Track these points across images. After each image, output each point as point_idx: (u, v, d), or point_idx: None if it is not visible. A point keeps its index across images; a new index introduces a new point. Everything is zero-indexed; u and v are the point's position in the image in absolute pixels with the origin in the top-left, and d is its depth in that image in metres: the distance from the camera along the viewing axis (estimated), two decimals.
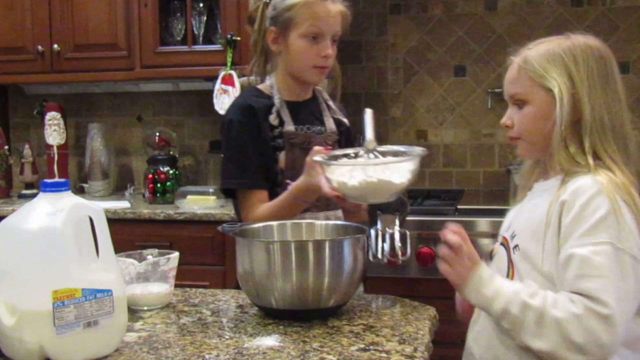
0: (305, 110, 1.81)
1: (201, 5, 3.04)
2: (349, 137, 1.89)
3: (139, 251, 1.54)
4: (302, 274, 1.34)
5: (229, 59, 2.88)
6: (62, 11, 3.12)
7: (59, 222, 1.14)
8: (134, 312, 1.44)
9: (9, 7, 3.18)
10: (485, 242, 2.41)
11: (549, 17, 3.13)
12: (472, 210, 2.66)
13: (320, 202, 1.67)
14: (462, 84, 3.25)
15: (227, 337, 1.29)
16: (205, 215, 2.76)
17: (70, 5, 3.11)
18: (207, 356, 1.20)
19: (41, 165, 3.39)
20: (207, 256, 2.77)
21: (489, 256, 1.49)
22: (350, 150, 1.52)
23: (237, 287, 1.50)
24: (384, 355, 1.19)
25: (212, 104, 2.89)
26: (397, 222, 1.42)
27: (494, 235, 2.36)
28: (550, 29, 2.99)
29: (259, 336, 1.30)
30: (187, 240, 2.74)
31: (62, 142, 3.21)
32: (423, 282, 2.47)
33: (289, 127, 1.74)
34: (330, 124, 1.83)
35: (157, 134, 3.21)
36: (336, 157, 1.49)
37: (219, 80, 2.88)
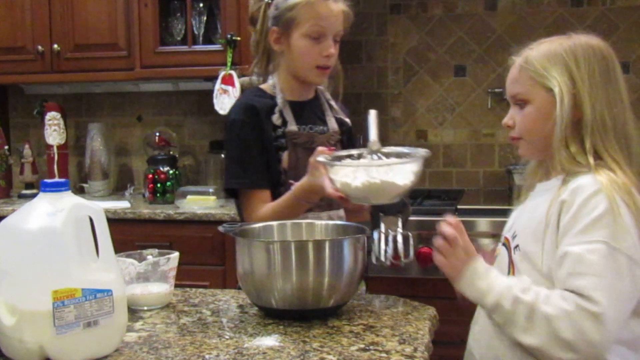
0: (308, 110, 1.81)
1: (201, 5, 3.04)
2: (350, 136, 1.89)
3: (139, 251, 1.54)
4: (302, 274, 1.34)
5: (229, 59, 2.88)
6: (62, 11, 3.12)
7: (59, 222, 1.14)
8: (134, 312, 1.44)
9: (9, 7, 3.18)
10: (485, 242, 2.41)
11: (549, 17, 3.13)
12: (472, 210, 2.66)
13: (323, 202, 1.68)
14: (462, 84, 3.25)
15: (227, 337, 1.29)
16: (205, 215, 2.76)
17: (70, 5, 3.11)
18: (207, 356, 1.20)
19: (41, 165, 3.39)
20: (207, 256, 2.77)
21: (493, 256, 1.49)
22: (354, 151, 1.52)
23: (238, 287, 1.50)
24: (384, 355, 1.19)
25: (212, 104, 2.89)
26: (399, 224, 1.42)
27: (494, 235, 2.37)
28: (550, 29, 3.00)
29: (259, 336, 1.30)
30: (187, 240, 2.74)
31: (62, 142, 3.21)
32: (423, 282, 2.47)
33: (292, 127, 1.74)
34: (332, 124, 1.83)
35: (157, 134, 3.22)
36: (340, 158, 1.49)
37: (219, 80, 2.88)
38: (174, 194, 3.00)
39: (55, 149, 3.18)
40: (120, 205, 2.94)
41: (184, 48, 3.03)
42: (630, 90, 1.38)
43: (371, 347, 1.22)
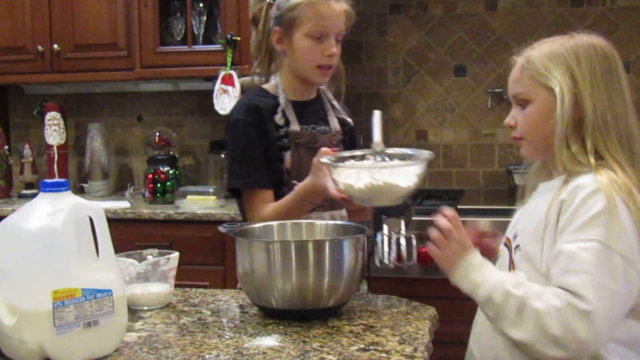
0: (310, 110, 1.81)
1: (201, 5, 3.04)
2: (353, 136, 1.89)
3: (139, 251, 1.54)
4: (302, 274, 1.34)
5: (229, 59, 2.88)
6: (62, 11, 3.12)
7: (59, 222, 1.14)
8: (134, 312, 1.44)
9: (9, 7, 3.18)
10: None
11: (549, 17, 3.13)
12: (472, 210, 2.66)
13: (325, 202, 1.68)
14: (462, 84, 3.25)
15: (227, 337, 1.29)
16: (205, 215, 2.76)
17: (70, 5, 3.12)
18: (207, 356, 1.20)
19: (41, 165, 3.39)
20: (207, 256, 2.77)
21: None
22: (357, 152, 1.52)
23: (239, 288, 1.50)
24: (384, 355, 1.19)
25: (212, 104, 2.89)
26: (402, 226, 1.42)
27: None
28: (550, 29, 3.00)
29: (259, 336, 1.30)
30: (187, 240, 2.74)
31: (62, 142, 3.21)
32: (423, 282, 2.47)
33: (295, 126, 1.74)
34: (334, 124, 1.83)
35: (157, 134, 3.21)
36: (343, 159, 1.49)
37: (219, 80, 2.87)
38: (174, 194, 3.00)
39: (55, 149, 3.18)
40: (120, 205, 2.94)
41: (184, 48, 3.03)
42: (630, 90, 1.37)
43: (371, 347, 1.22)
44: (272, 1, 1.77)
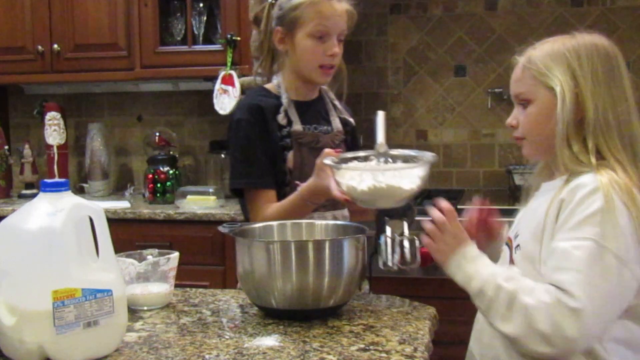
0: (312, 110, 1.81)
1: (201, 5, 3.04)
2: (354, 136, 1.89)
3: (139, 251, 1.54)
4: (302, 274, 1.34)
5: (229, 59, 2.88)
6: (62, 11, 3.12)
7: (59, 222, 1.14)
8: (134, 312, 1.44)
9: (9, 7, 3.18)
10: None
11: (549, 17, 3.13)
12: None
13: (328, 201, 1.68)
14: (462, 84, 3.25)
15: (227, 337, 1.29)
16: (205, 215, 2.76)
17: (70, 5, 3.12)
18: (207, 356, 1.20)
19: (41, 165, 3.39)
20: (207, 256, 2.77)
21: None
22: (360, 153, 1.52)
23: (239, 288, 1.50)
24: (384, 355, 1.19)
25: (212, 104, 2.89)
26: (405, 227, 1.42)
27: None
28: (550, 29, 3.00)
29: (259, 336, 1.30)
30: (187, 240, 2.74)
31: (62, 142, 3.21)
32: (423, 282, 2.47)
33: (297, 126, 1.74)
34: (336, 124, 1.83)
35: (157, 134, 3.21)
36: (346, 160, 1.49)
37: (219, 80, 2.87)
38: (174, 194, 3.00)
39: (55, 149, 3.18)
40: (120, 205, 2.94)
41: (184, 48, 3.03)
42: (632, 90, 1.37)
43: (371, 347, 1.22)
44: (274, 1, 1.77)
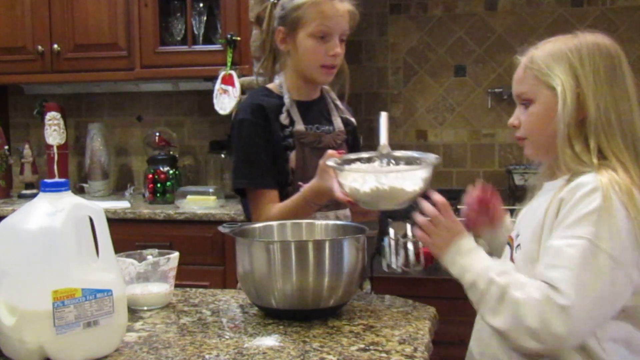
0: (314, 110, 1.82)
1: (201, 5, 3.04)
2: (356, 136, 1.89)
3: (139, 251, 1.54)
4: (302, 274, 1.34)
5: (229, 59, 2.88)
6: (62, 11, 3.12)
7: (59, 222, 1.14)
8: (134, 312, 1.44)
9: (9, 7, 3.18)
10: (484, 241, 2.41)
11: (549, 17, 3.13)
12: None
13: (330, 202, 1.68)
14: (462, 84, 3.25)
15: (227, 337, 1.29)
16: (205, 215, 2.76)
17: (70, 5, 3.12)
18: (207, 356, 1.20)
19: (41, 165, 3.40)
20: (207, 256, 2.77)
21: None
22: (363, 154, 1.52)
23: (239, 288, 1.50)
24: (384, 355, 1.19)
25: (212, 104, 2.89)
26: (408, 230, 1.42)
27: None
28: (550, 29, 2.99)
29: (259, 336, 1.30)
30: (187, 240, 2.74)
31: (62, 142, 3.21)
32: (423, 282, 2.47)
33: (299, 126, 1.74)
34: (338, 124, 1.83)
35: (157, 134, 3.22)
36: (349, 161, 1.49)
37: (219, 80, 2.87)
38: (174, 194, 3.00)
39: (55, 149, 3.18)
40: (120, 205, 2.94)
41: (184, 48, 3.03)
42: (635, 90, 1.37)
43: (371, 347, 1.22)
44: (276, 1, 1.77)
